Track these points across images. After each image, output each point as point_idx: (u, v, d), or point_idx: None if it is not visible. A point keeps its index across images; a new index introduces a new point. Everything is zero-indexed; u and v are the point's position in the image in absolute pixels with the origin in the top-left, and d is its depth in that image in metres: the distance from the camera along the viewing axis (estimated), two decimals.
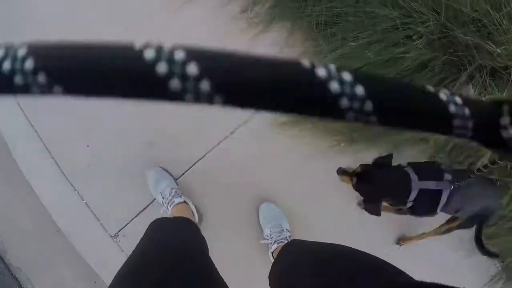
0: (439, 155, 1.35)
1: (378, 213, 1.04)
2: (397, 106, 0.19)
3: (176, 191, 1.22)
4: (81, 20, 1.43)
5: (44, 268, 1.51)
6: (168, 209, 1.20)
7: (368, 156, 1.26)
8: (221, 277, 0.75)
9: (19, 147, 1.41)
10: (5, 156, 1.42)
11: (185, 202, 1.21)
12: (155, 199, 1.29)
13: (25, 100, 1.36)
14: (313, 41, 1.44)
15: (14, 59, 0.16)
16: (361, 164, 1.07)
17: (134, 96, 0.17)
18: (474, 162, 1.27)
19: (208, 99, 0.17)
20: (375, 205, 1.05)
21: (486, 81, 1.22)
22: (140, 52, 0.16)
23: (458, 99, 0.20)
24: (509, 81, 1.20)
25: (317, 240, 0.82)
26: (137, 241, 0.84)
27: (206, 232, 1.05)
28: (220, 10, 1.47)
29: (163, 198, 1.21)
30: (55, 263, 1.50)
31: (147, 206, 1.33)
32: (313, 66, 0.18)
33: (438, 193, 1.00)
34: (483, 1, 1.23)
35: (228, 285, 0.73)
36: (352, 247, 0.69)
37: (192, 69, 0.16)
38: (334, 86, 0.17)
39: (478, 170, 0.85)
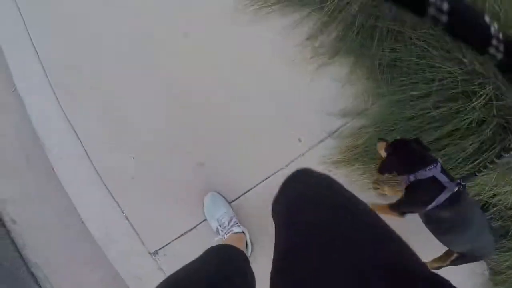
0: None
1: (389, 171, 1.15)
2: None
3: (235, 221, 1.21)
4: (144, 27, 1.32)
5: (67, 270, 1.46)
6: (224, 237, 1.18)
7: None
8: None
9: (57, 148, 1.32)
10: (40, 153, 1.32)
11: (243, 232, 1.20)
12: (206, 221, 1.27)
13: (69, 106, 1.26)
14: (374, 82, 1.44)
15: None
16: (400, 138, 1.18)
17: None
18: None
19: None
20: (390, 167, 1.13)
21: None
22: None
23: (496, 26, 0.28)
24: None
25: None
26: (178, 262, 0.76)
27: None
28: (287, 33, 1.42)
29: (219, 225, 1.19)
30: (80, 267, 1.45)
31: (192, 228, 1.31)
32: None
33: (441, 189, 1.01)
34: None
35: None
36: None
37: None
38: None
39: (492, 162, 0.88)
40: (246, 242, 1.22)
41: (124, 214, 1.32)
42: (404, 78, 1.43)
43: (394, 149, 1.14)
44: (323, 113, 1.37)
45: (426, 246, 1.16)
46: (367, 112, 1.41)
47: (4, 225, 1.45)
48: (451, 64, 1.39)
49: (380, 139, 1.22)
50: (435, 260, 1.23)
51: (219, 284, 0.71)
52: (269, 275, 0.55)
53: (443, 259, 1.21)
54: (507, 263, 1.39)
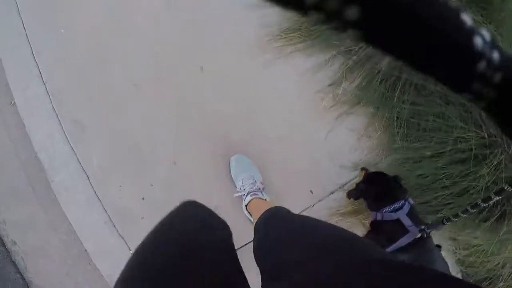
0: None
1: (355, 197, 1.15)
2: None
3: (263, 187, 1.22)
4: (162, 61, 1.23)
5: None
6: (244, 198, 1.20)
7: None
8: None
9: (66, 186, 1.27)
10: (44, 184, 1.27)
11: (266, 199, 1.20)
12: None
13: (79, 146, 1.19)
14: (390, 135, 1.43)
15: None
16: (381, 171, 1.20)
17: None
18: None
19: None
20: (356, 193, 1.14)
21: None
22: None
23: (485, 33, 0.16)
24: None
25: None
26: None
27: None
28: (310, 76, 1.37)
29: (242, 185, 1.21)
30: None
31: None
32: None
33: (404, 232, 1.00)
34: None
35: None
36: None
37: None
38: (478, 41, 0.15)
39: (474, 205, 0.88)
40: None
41: (131, 252, 1.32)
42: (420, 135, 1.42)
43: (369, 179, 1.16)
44: (337, 166, 1.37)
45: None
46: (378, 166, 1.42)
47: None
48: (468, 126, 1.39)
49: (363, 169, 1.25)
50: None
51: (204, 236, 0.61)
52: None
53: None
54: None
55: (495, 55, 0.16)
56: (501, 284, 1.40)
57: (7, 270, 1.37)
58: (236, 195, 1.25)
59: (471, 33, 0.15)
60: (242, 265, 0.62)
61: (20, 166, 1.38)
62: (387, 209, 1.04)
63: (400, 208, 1.04)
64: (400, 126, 1.43)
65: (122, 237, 1.28)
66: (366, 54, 1.40)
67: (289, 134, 1.36)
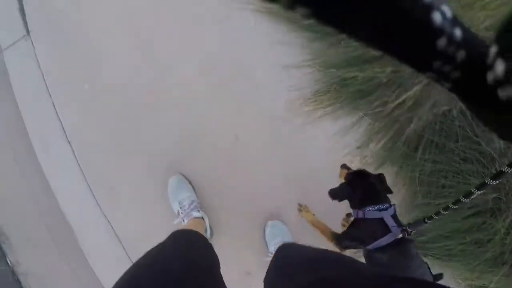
0: None
1: (340, 199, 1.12)
2: None
3: (196, 205, 1.22)
4: (193, 129, 1.23)
5: None
6: (183, 221, 1.20)
7: None
8: None
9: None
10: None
11: (202, 218, 1.22)
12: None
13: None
14: (412, 193, 1.49)
15: None
16: (363, 169, 1.17)
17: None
18: None
19: None
20: (341, 194, 1.11)
21: None
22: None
23: (446, 9, 0.15)
24: None
25: None
26: None
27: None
28: (338, 138, 1.40)
29: (180, 208, 1.21)
30: None
31: None
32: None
33: (386, 232, 1.01)
34: None
35: None
36: None
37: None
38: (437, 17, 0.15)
39: (466, 195, 0.87)
40: (206, 227, 1.24)
41: None
42: (439, 191, 1.49)
43: (352, 179, 1.13)
44: None
45: None
46: None
47: None
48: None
49: (344, 166, 1.21)
50: None
51: (186, 269, 0.69)
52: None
53: None
54: None
55: (457, 32, 0.15)
56: None
57: None
58: (176, 221, 1.23)
59: (429, 8, 0.15)
60: None
61: None
62: (370, 208, 1.05)
63: (385, 209, 1.05)
64: (422, 183, 1.48)
65: None
66: (391, 114, 1.44)
67: (319, 200, 1.39)
